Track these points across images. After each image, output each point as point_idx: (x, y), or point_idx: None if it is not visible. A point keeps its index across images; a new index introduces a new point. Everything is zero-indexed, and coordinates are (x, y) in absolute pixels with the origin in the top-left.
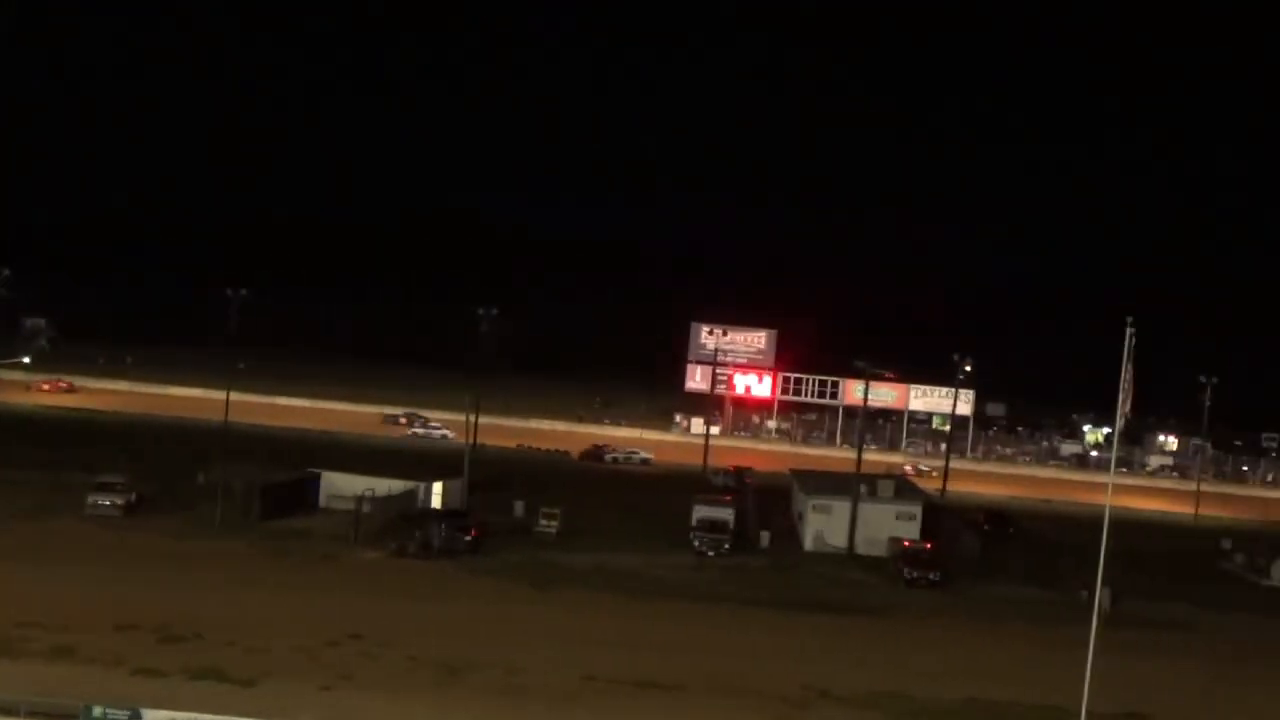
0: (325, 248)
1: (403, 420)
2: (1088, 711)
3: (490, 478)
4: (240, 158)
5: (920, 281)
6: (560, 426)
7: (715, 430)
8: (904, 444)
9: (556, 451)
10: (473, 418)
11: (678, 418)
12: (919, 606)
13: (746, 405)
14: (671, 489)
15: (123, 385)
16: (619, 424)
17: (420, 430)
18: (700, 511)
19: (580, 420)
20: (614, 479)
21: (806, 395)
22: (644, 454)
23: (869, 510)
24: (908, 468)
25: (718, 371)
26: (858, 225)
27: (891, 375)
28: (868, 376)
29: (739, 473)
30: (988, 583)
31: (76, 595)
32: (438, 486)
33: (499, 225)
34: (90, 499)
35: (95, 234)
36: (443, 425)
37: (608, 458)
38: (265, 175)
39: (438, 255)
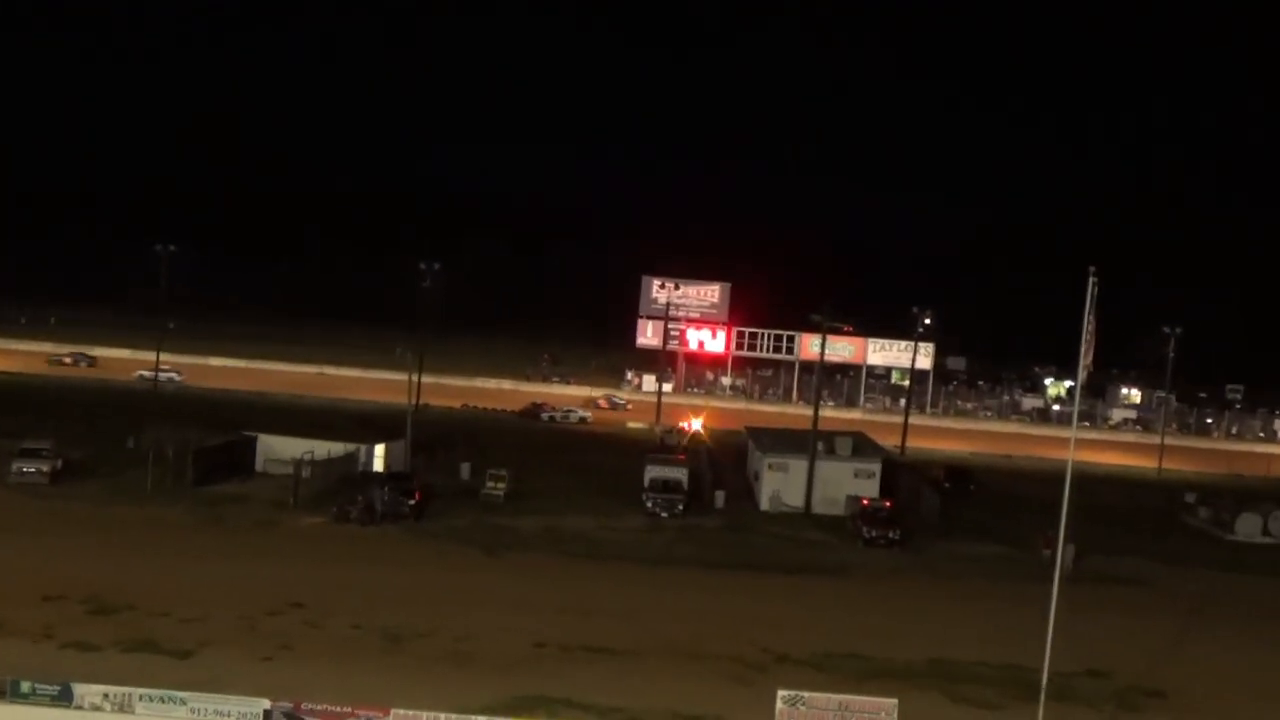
0: (259, 210)
1: (67, 360)
2: (1050, 671)
3: (435, 439)
4: (168, 118)
5: (878, 234)
6: (507, 385)
7: (668, 387)
8: (862, 400)
9: (502, 411)
10: (415, 377)
11: (629, 375)
12: (878, 566)
13: (700, 361)
14: (620, 448)
15: (47, 347)
16: (568, 382)
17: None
18: (653, 471)
19: (528, 379)
20: (562, 439)
21: (762, 350)
22: (581, 412)
23: (826, 468)
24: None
25: (670, 327)
26: (813, 178)
27: (849, 329)
28: (825, 330)
29: (693, 431)
30: (948, 540)
31: (0, 566)
32: (380, 449)
33: (444, 183)
34: (14, 466)
35: (13, 193)
36: (172, 368)
37: (544, 416)
38: (192, 137)
39: (376, 215)
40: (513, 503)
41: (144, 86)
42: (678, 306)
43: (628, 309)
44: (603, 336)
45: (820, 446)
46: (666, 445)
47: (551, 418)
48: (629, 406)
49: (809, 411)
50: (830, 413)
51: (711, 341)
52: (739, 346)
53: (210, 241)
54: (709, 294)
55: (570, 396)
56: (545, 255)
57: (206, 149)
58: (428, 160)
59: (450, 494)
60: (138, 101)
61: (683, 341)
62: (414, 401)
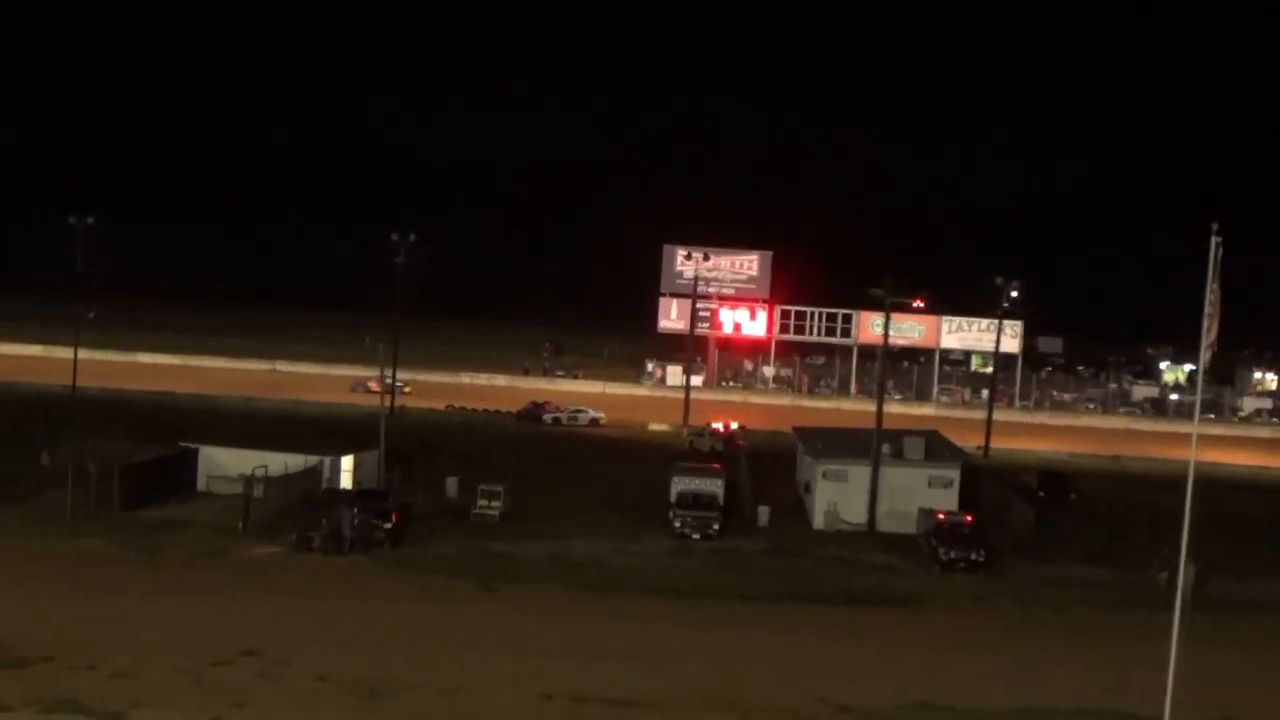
0: (201, 177)
1: None
2: None
3: (414, 448)
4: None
5: (950, 192)
6: (500, 381)
7: (698, 380)
8: (935, 391)
9: (496, 412)
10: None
11: (649, 366)
12: (958, 595)
13: (736, 348)
14: (640, 456)
15: None
16: (575, 376)
17: None
18: (681, 484)
19: (526, 373)
20: (569, 446)
21: (811, 334)
22: (593, 412)
23: (894, 475)
24: None
25: (699, 306)
26: (862, 131)
27: (919, 303)
28: (888, 307)
29: (729, 435)
30: (1043, 562)
31: None
32: (347, 461)
33: (423, 147)
34: None
35: None
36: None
37: (547, 418)
38: (125, 95)
39: (342, 182)
40: (510, 524)
41: (67, 36)
42: (708, 281)
43: (646, 286)
44: (617, 320)
45: (886, 449)
46: (697, 451)
47: (556, 419)
48: (408, 390)
49: (870, 407)
50: (897, 408)
51: (750, 323)
52: (783, 329)
53: (140, 214)
54: (746, 265)
55: (579, 394)
56: (545, 226)
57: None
58: (402, 123)
59: (434, 515)
60: (60, 52)
61: (714, 324)
62: (388, 403)
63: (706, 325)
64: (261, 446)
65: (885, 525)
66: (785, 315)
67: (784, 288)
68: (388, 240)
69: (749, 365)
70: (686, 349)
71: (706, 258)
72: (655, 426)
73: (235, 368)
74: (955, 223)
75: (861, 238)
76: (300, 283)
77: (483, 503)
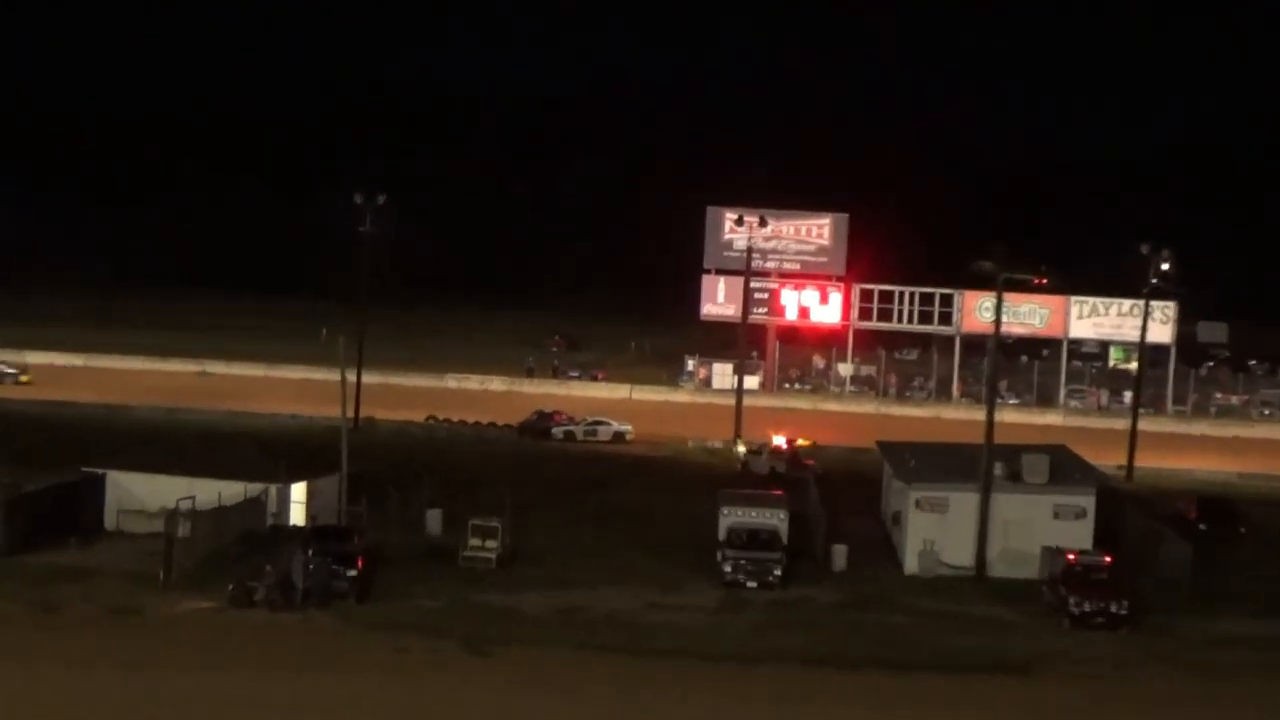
0: (109, 138)
1: None
2: None
3: (385, 473)
4: None
5: (1080, 140)
6: (496, 385)
7: (753, 382)
8: (1063, 395)
9: (491, 426)
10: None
11: (690, 364)
12: (1094, 659)
13: (803, 340)
14: (680, 481)
15: None
16: (594, 377)
17: None
18: (732, 517)
19: (530, 375)
20: (586, 468)
21: (900, 320)
22: (618, 425)
23: (1010, 504)
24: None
25: (754, 286)
26: (954, 70)
27: (1041, 280)
28: (1000, 285)
29: (793, 453)
30: (1206, 616)
31: None
32: (298, 490)
33: (391, 87)
34: None
35: None
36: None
37: (557, 432)
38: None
39: (291, 134)
40: (510, 570)
41: None
42: (765, 254)
43: (685, 261)
44: (647, 305)
45: (998, 470)
46: (753, 475)
47: (569, 434)
48: (25, 379)
49: (977, 415)
50: (1013, 415)
51: (820, 308)
52: (863, 315)
53: (34, 181)
54: (815, 231)
55: (599, 401)
56: (553, 184)
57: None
58: (367, 58)
59: (412, 558)
60: None
61: (774, 309)
62: (351, 415)
63: (764, 311)
64: (188, 471)
65: (998, 569)
66: (866, 297)
67: (864, 261)
68: (349, 205)
69: (819, 362)
70: (738, 342)
71: (763, 223)
72: (698, 443)
73: (154, 369)
74: (1087, 179)
75: (963, 197)
76: (239, 263)
77: (475, 543)
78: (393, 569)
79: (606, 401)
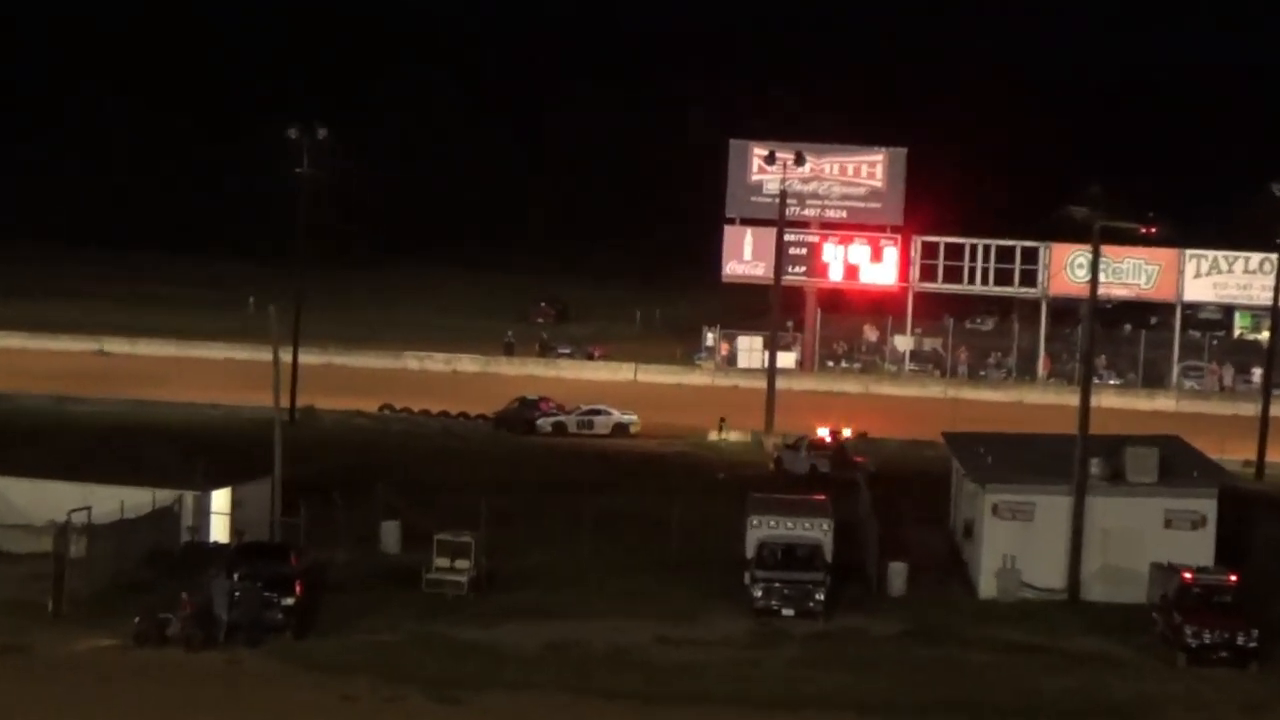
0: None
1: None
2: None
3: (329, 476)
4: None
5: (1188, 55)
6: (468, 365)
7: (788, 359)
8: (1175, 374)
9: (462, 417)
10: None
11: (708, 338)
12: (1219, 703)
13: (849, 306)
14: (697, 484)
15: None
16: (589, 356)
17: None
18: (764, 529)
19: (510, 352)
20: (576, 467)
21: (972, 281)
22: (620, 414)
23: (1110, 510)
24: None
25: (790, 237)
26: None
27: (1148, 230)
28: (1097, 237)
29: (839, 447)
30: None
31: None
32: (221, 498)
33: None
34: None
35: None
36: None
37: (544, 423)
38: None
39: (217, 55)
40: (487, 596)
41: None
42: (803, 200)
43: (703, 209)
44: (655, 264)
45: (1096, 468)
46: (790, 476)
47: (559, 425)
48: None
49: (1069, 399)
50: (1114, 399)
51: (872, 266)
52: (926, 274)
53: None
54: (865, 170)
55: (595, 385)
56: (538, 115)
57: None
58: None
59: (364, 582)
60: None
61: (815, 268)
62: (287, 404)
63: (801, 270)
64: (82, 476)
65: (1096, 591)
66: (929, 252)
67: (926, 208)
68: (283, 141)
69: (871, 334)
70: (769, 309)
71: (800, 160)
72: (720, 435)
73: (38, 348)
74: (1204, 103)
75: (1049, 128)
76: (145, 215)
77: (442, 562)
78: (340, 596)
79: (606, 385)
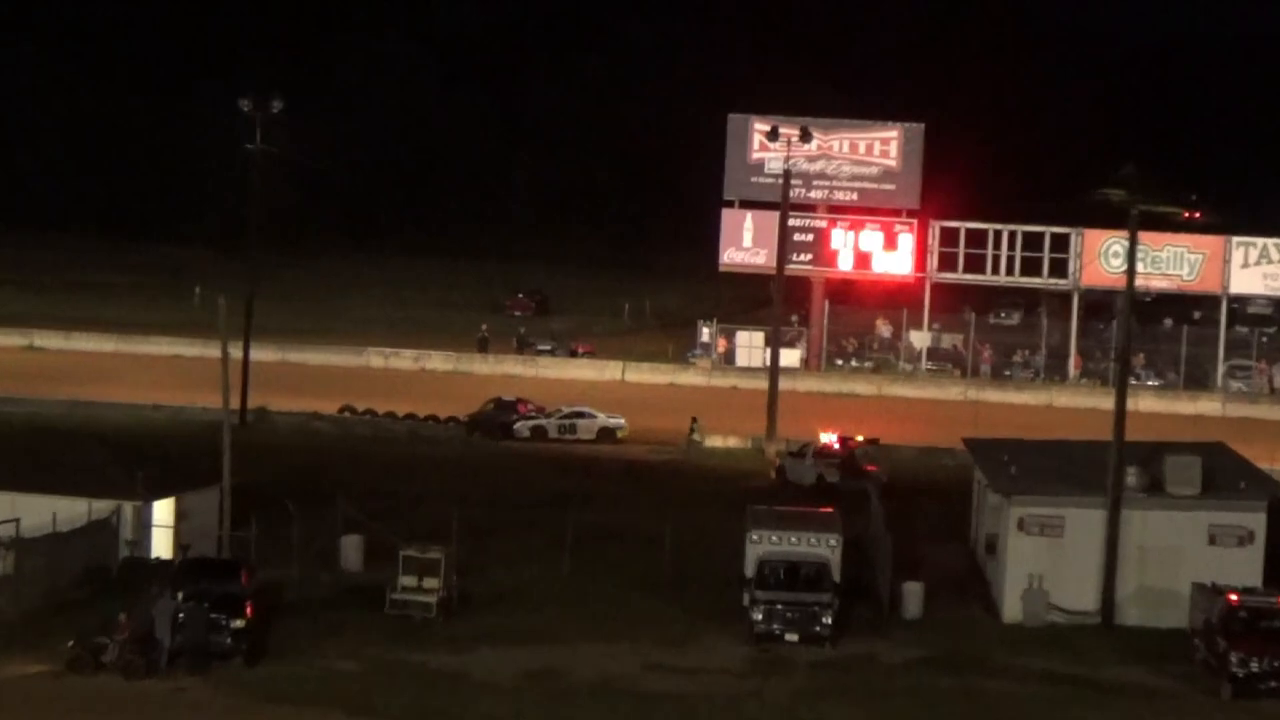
0: None
1: None
2: None
3: (283, 485)
4: None
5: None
6: (438, 363)
7: (792, 358)
8: (1220, 373)
9: (431, 420)
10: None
11: (704, 333)
12: None
13: (859, 298)
14: (692, 495)
15: None
16: (572, 352)
17: None
18: (765, 545)
19: (484, 349)
20: (557, 476)
21: (996, 271)
22: (607, 417)
23: (1149, 525)
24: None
25: (794, 222)
26: None
27: (1192, 211)
28: (1136, 220)
29: (849, 455)
30: None
31: None
32: (164, 509)
33: None
34: None
35: None
36: None
37: (522, 428)
38: None
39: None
40: (459, 619)
41: None
42: (809, 180)
43: (700, 191)
44: (645, 252)
45: (1132, 478)
46: (794, 487)
47: (538, 430)
48: None
49: (1103, 402)
50: (1152, 402)
51: (885, 255)
52: (945, 264)
53: None
54: (878, 148)
55: (579, 385)
56: (518, 87)
57: None
58: None
59: (324, 603)
60: None
61: (822, 255)
62: (237, 405)
63: (807, 259)
64: (10, 485)
65: (1132, 614)
66: (948, 238)
67: (945, 190)
68: (234, 114)
69: (884, 329)
70: (772, 301)
71: (806, 136)
72: (717, 442)
73: None
74: (1255, 75)
75: (1082, 101)
76: (80, 194)
77: (408, 581)
78: (295, 618)
79: (590, 385)
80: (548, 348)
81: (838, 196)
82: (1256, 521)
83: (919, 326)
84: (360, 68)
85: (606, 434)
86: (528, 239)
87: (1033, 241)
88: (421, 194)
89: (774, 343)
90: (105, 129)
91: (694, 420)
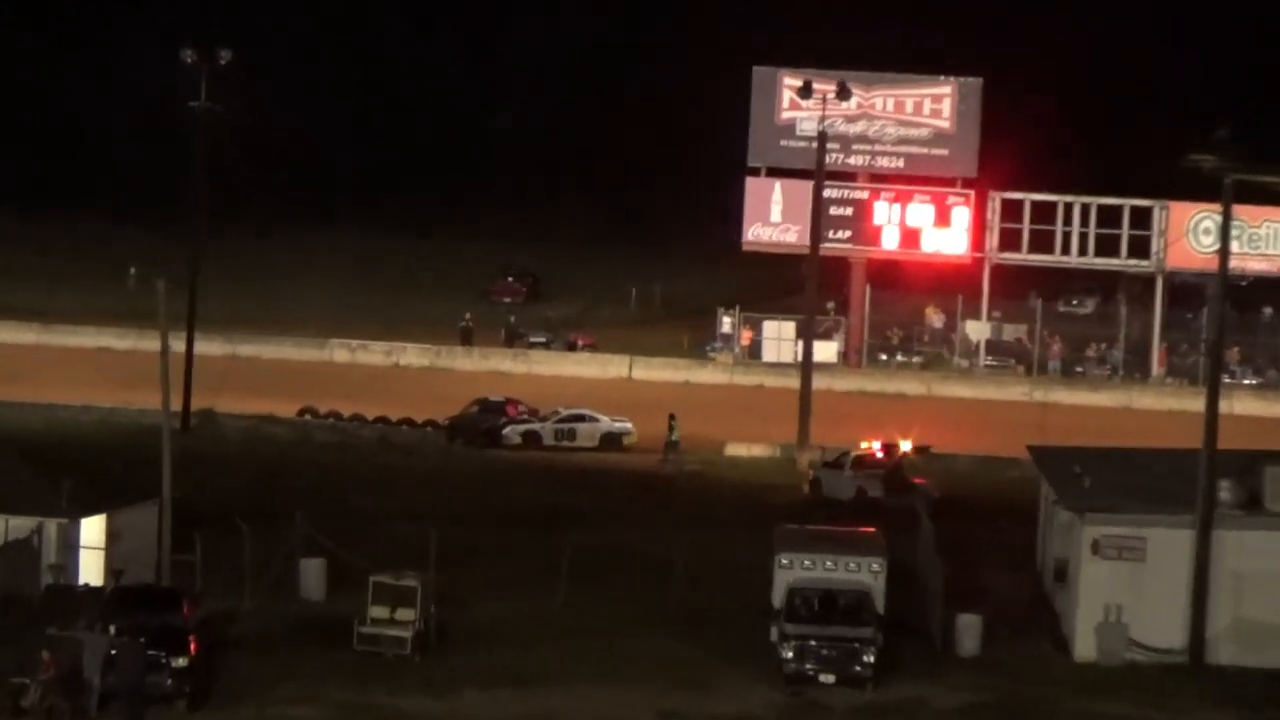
0: None
1: None
2: None
3: (233, 500)
4: None
5: None
6: (414, 358)
7: (827, 351)
8: None
9: (405, 424)
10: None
11: (725, 323)
12: None
13: (909, 284)
14: (710, 512)
15: None
16: (571, 345)
17: None
18: (797, 570)
19: (466, 339)
20: (553, 490)
21: (1065, 251)
22: (611, 421)
23: (1246, 547)
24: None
25: (831, 192)
26: None
27: None
28: (1230, 190)
29: (894, 465)
30: None
31: None
32: (93, 527)
33: None
34: None
35: None
36: None
37: (511, 433)
38: None
39: None
40: (438, 657)
41: None
42: (848, 144)
43: (720, 158)
44: (657, 228)
45: (1226, 492)
46: (828, 503)
47: (531, 436)
48: None
49: (1192, 405)
50: (1249, 404)
51: (936, 232)
52: (1006, 242)
53: None
54: (929, 107)
55: (578, 384)
56: (502, 31)
57: None
58: None
59: (281, 638)
60: None
61: (863, 232)
62: (179, 407)
63: (846, 236)
64: None
65: (1225, 652)
66: (1010, 212)
67: (1007, 156)
68: (175, 68)
69: (936, 319)
70: (804, 286)
71: (844, 93)
72: (740, 450)
73: None
74: None
75: (1165, 51)
76: None
77: (379, 613)
78: (247, 655)
79: (592, 384)
80: (542, 340)
81: (881, 163)
82: None
83: (976, 316)
84: (315, 9)
85: (611, 440)
86: (516, 211)
87: (1110, 216)
88: (390, 159)
89: (807, 334)
90: (16, 86)
91: (671, 418)
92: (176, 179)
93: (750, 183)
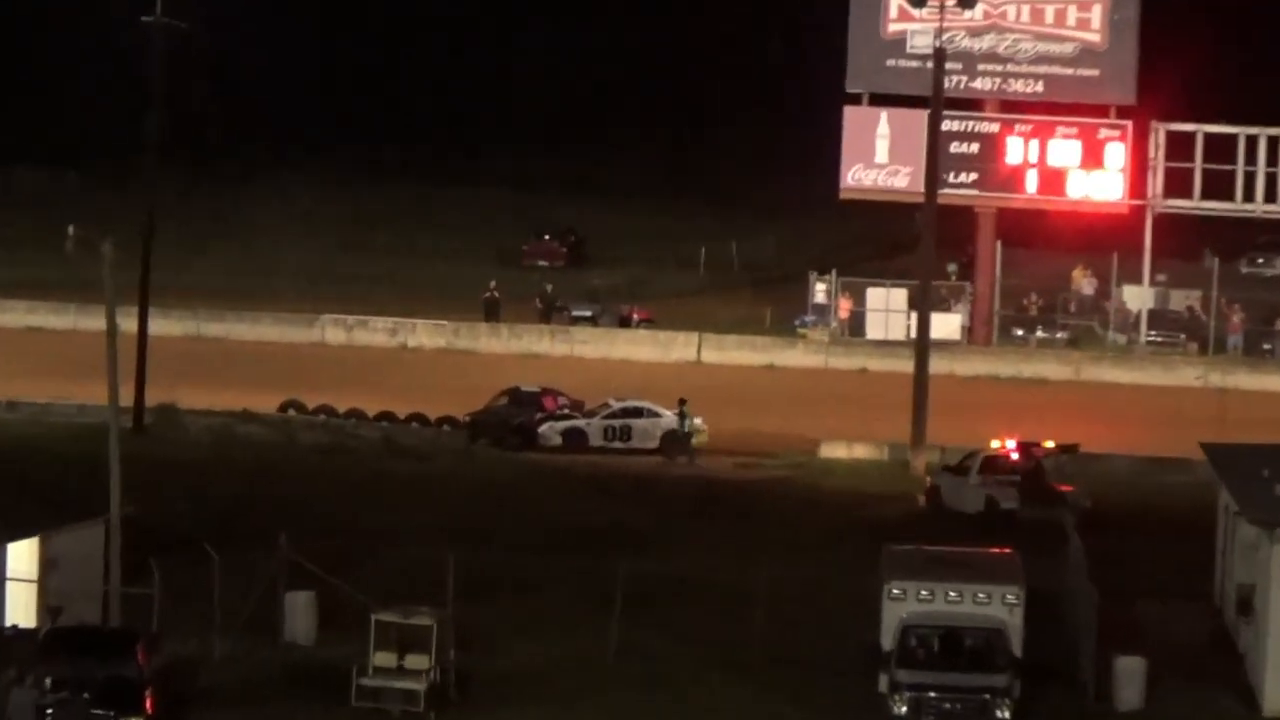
0: None
1: None
2: None
3: (199, 519)
4: None
5: None
6: (425, 339)
7: (948, 325)
8: None
9: (415, 420)
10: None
11: (817, 291)
12: None
13: (1051, 240)
14: (799, 530)
15: None
16: (623, 320)
17: None
18: (911, 604)
19: (490, 313)
20: (602, 506)
21: (1246, 199)
22: (670, 415)
23: None
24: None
25: (950, 127)
26: None
27: None
28: None
29: (1034, 469)
30: None
31: None
32: (20, 554)
33: None
34: None
35: None
36: None
37: (549, 432)
38: None
39: None
40: (458, 713)
41: None
42: (974, 64)
43: (806, 80)
44: (728, 174)
45: None
46: (951, 514)
47: (573, 434)
48: None
49: None
50: None
51: (1084, 174)
52: (1172, 186)
53: None
54: (1072, 15)
55: (631, 369)
56: None
57: None
58: None
59: (258, 689)
60: None
61: (993, 175)
62: (131, 401)
63: (971, 180)
64: None
65: None
66: (1178, 149)
67: (1172, 79)
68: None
69: (1085, 284)
70: (919, 244)
71: (967, 1)
72: (839, 451)
73: None
74: None
75: None
76: None
77: (385, 660)
78: (219, 711)
79: (651, 369)
80: (587, 314)
81: (1015, 88)
82: None
83: (1137, 280)
84: None
85: (675, 440)
86: (548, 157)
87: None
88: (392, 94)
89: (923, 304)
90: None
91: (682, 403)
92: (128, 119)
93: (849, 113)
